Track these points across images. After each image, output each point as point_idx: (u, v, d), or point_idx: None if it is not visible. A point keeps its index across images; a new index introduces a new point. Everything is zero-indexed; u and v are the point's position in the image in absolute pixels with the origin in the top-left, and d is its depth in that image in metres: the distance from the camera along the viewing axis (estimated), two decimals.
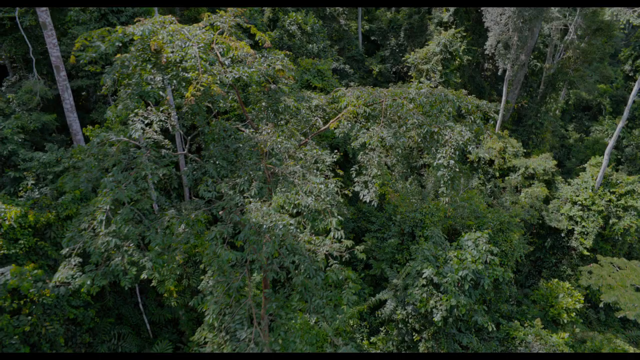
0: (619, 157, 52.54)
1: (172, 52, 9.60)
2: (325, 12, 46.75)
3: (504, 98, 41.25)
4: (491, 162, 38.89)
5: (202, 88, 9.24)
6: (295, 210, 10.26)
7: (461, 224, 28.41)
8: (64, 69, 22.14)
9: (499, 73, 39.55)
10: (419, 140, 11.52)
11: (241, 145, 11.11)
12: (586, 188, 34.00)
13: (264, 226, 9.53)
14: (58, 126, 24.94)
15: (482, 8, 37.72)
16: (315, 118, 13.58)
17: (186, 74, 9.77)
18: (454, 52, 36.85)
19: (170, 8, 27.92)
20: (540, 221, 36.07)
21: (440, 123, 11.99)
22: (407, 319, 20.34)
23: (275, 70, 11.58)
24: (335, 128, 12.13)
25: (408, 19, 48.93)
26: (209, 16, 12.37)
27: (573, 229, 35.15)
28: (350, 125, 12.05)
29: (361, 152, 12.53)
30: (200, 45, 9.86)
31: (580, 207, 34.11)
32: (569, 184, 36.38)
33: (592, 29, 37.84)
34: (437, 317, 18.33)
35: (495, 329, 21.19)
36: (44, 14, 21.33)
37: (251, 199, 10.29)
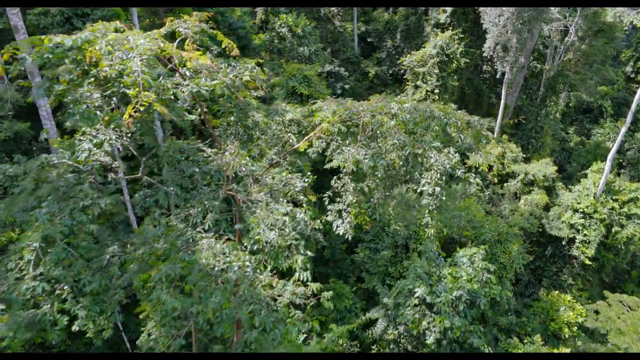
0: (621, 160, 51.38)
1: (111, 65, 8.39)
2: (320, 13, 45.62)
3: (502, 101, 40.10)
4: (490, 168, 37.73)
5: (142, 108, 8.07)
6: (255, 247, 9.10)
7: (458, 234, 27.27)
8: (39, 74, 20.97)
9: (498, 76, 38.39)
10: (400, 163, 10.29)
11: (197, 169, 9.86)
12: (588, 195, 32.82)
13: (216, 268, 8.38)
14: (35, 135, 23.80)
15: (480, 9, 36.59)
16: (289, 134, 12.36)
17: (127, 90, 8.56)
18: (451, 55, 35.71)
19: (154, 10, 26.79)
20: (541, 229, 34.91)
21: (425, 144, 10.73)
22: (398, 340, 19.22)
23: (243, 81, 10.40)
24: (307, 148, 10.94)
25: (404, 20, 47.81)
26: (172, 21, 11.18)
27: (574, 237, 33.98)
28: (324, 144, 10.88)
29: (335, 177, 11.36)
30: (144, 57, 8.62)
31: (581, 215, 32.93)
32: (570, 191, 35.21)
33: (593, 30, 36.69)
34: (430, 340, 17.22)
35: (493, 349, 20.04)
36: (15, 17, 20.14)
37: (204, 234, 9.14)
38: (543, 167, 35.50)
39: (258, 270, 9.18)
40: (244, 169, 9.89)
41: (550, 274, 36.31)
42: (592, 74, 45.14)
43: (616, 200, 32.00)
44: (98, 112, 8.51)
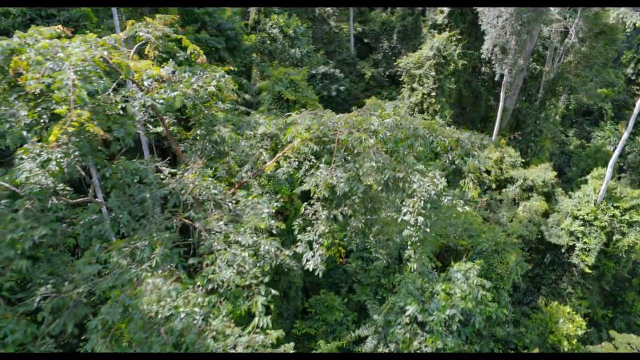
0: (621, 164, 50.47)
1: (38, 77, 7.35)
2: (315, 14, 44.69)
3: (501, 104, 39.16)
4: (488, 173, 36.79)
5: (71, 129, 7.05)
6: (210, 286, 8.10)
7: (454, 243, 26.36)
8: None
9: (496, 78, 37.44)
10: (379, 189, 9.21)
11: (148, 195, 8.77)
12: (588, 202, 31.89)
13: (159, 315, 7.36)
14: None
15: (478, 10, 35.65)
16: (260, 150, 11.29)
17: (60, 107, 7.49)
18: (448, 57, 34.76)
19: (140, 11, 25.82)
20: (539, 236, 33.99)
21: (407, 166, 9.61)
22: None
23: (208, 92, 9.40)
24: (276, 168, 9.88)
25: (401, 21, 46.87)
26: (133, 24, 10.16)
27: (574, 244, 33.06)
28: (297, 163, 9.86)
29: (305, 203, 10.31)
30: (79, 69, 7.54)
31: (581, 222, 32.00)
32: (570, 197, 34.25)
33: (594, 32, 35.73)
34: None
35: None
36: None
37: (150, 273, 8.08)
38: (542, 173, 34.57)
39: (211, 315, 8.13)
40: (204, 192, 8.88)
41: (549, 281, 35.39)
42: (593, 75, 44.25)
43: (617, 207, 31.07)
44: (25, 133, 7.51)
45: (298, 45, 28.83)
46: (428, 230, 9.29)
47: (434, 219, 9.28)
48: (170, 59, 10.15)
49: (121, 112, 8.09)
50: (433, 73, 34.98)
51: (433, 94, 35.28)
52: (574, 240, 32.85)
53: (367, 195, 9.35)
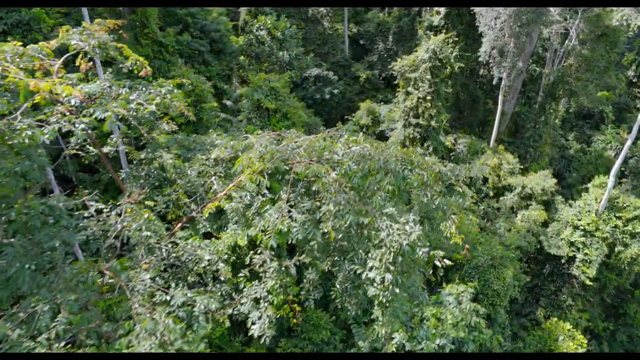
0: (622, 169, 49.23)
1: None
2: (308, 14, 43.41)
3: (499, 108, 37.89)
4: (485, 180, 35.52)
5: None
6: None
7: (448, 255, 25.02)
8: None
9: (495, 82, 36.14)
10: (339, 236, 7.77)
11: (58, 244, 7.31)
12: (589, 212, 30.62)
13: None
14: None
15: (475, 11, 34.36)
16: (211, 179, 9.86)
17: None
18: (444, 59, 33.45)
19: (118, 12, 24.55)
20: (538, 246, 32.74)
21: (374, 209, 8.07)
22: None
23: (147, 111, 8.05)
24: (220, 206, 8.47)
25: (397, 22, 45.58)
26: (67, 31, 8.81)
27: (574, 255, 31.81)
28: (248, 197, 8.42)
29: (251, 251, 8.94)
30: None
31: (582, 233, 30.75)
32: (570, 206, 32.99)
33: (596, 34, 34.44)
34: None
35: None
36: None
37: (46, 347, 6.72)
38: (541, 180, 33.30)
39: None
40: (135, 234, 7.52)
41: (549, 293, 34.15)
42: (594, 77, 42.99)
43: (620, 217, 29.81)
44: None
45: (287, 47, 27.56)
46: (398, 290, 7.86)
47: (405, 277, 7.92)
48: (108, 72, 8.89)
49: (28, 140, 6.72)
50: (429, 76, 33.67)
51: (429, 98, 33.97)
52: (574, 251, 31.61)
53: (328, 242, 7.94)
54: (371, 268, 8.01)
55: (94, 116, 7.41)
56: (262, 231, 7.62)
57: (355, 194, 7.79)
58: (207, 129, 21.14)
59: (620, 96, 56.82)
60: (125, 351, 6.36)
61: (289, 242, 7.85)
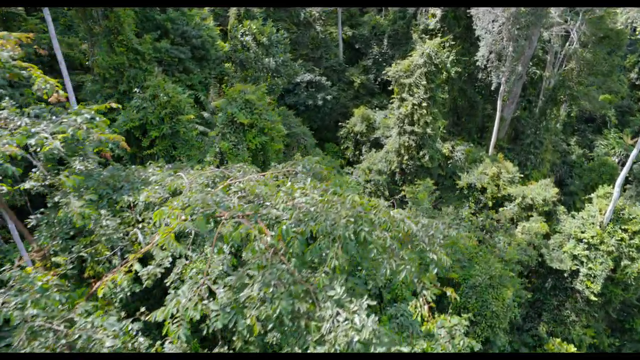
0: (626, 175, 47.73)
1: None
2: (300, 18, 42.02)
3: (498, 114, 36.46)
4: (483, 190, 34.03)
5: None
6: None
7: (443, 274, 23.55)
8: None
9: (493, 87, 34.67)
10: (270, 326, 6.13)
11: None
12: (593, 224, 29.12)
13: None
14: None
15: (472, 13, 32.94)
16: (134, 230, 8.31)
17: None
18: (439, 64, 32.00)
19: (93, 17, 23.16)
20: (540, 259, 31.23)
21: (319, 286, 6.34)
22: None
23: (48, 148, 6.58)
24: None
25: (392, 25, 44.18)
26: None
27: (578, 269, 30.31)
28: (169, 261, 6.92)
29: (158, 343, 7.39)
30: None
31: (586, 246, 29.24)
32: (573, 217, 31.47)
33: (598, 36, 33.00)
34: None
35: None
36: None
37: None
38: (542, 190, 31.79)
39: None
40: (17, 314, 5.97)
41: (551, 307, 32.61)
42: (597, 81, 41.50)
43: (626, 230, 28.31)
44: None
45: (273, 53, 26.16)
46: None
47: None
48: (6, 97, 7.45)
49: None
50: (424, 82, 32.23)
51: (424, 104, 32.52)
52: (577, 265, 30.11)
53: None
54: None
55: None
56: (172, 316, 6.08)
57: (296, 265, 6.18)
58: (185, 142, 19.73)
59: (622, 99, 55.28)
60: None
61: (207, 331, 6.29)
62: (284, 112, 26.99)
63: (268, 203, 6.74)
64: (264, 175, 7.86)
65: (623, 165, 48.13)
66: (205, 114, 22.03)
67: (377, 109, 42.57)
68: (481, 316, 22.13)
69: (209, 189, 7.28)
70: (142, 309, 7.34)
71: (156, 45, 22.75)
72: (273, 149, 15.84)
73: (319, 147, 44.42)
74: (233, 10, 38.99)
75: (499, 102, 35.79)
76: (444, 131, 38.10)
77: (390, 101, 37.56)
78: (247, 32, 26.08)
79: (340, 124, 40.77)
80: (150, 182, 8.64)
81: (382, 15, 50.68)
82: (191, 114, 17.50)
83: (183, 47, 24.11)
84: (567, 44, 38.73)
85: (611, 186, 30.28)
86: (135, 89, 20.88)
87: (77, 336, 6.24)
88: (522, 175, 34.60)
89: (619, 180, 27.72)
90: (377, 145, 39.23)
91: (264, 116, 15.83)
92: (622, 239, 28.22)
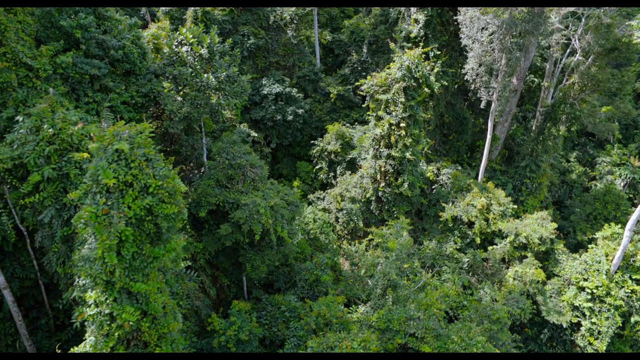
0: (631, 195, 43.35)
1: None
2: (269, 21, 37.44)
3: (489, 133, 31.97)
4: (471, 224, 29.54)
5: None
6: None
7: (415, 345, 19.13)
8: None
9: (482, 105, 30.18)
10: None
11: None
12: (598, 271, 24.68)
13: None
14: None
15: (459, 21, 28.38)
16: None
17: None
18: (420, 79, 27.49)
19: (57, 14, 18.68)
20: (535, 307, 26.80)
21: None
22: None
23: None
24: None
25: (372, 30, 39.62)
26: None
27: (579, 321, 25.89)
28: None
29: None
30: None
31: (589, 297, 24.82)
32: (575, 259, 26.99)
33: (605, 48, 28.49)
34: None
35: None
36: None
37: None
38: (538, 226, 27.30)
39: None
40: None
41: None
42: (601, 98, 37.06)
43: (637, 281, 23.87)
44: None
45: (215, 68, 21.66)
46: None
47: None
48: None
49: None
50: (402, 99, 27.73)
51: (402, 124, 28.01)
52: (578, 317, 25.69)
53: None
54: None
55: None
56: None
57: None
58: (77, 188, 15.14)
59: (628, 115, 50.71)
60: None
61: None
62: (227, 138, 22.40)
63: None
64: None
65: (629, 187, 43.81)
66: None
67: (356, 123, 38.05)
68: None
69: None
70: None
71: (57, 59, 18.20)
72: (164, 212, 11.33)
73: (291, 167, 39.86)
74: (190, 13, 34.42)
75: (489, 121, 31.30)
76: (429, 151, 33.63)
77: (367, 118, 33.09)
78: (183, 42, 21.56)
79: (312, 142, 36.28)
80: None
81: (369, 17, 45.71)
82: (91, 148, 12.85)
83: (98, 61, 19.57)
84: (568, 53, 34.26)
85: (619, 225, 25.82)
86: (19, 117, 16.37)
87: None
88: (515, 207, 30.10)
89: (630, 222, 23.22)
90: (354, 165, 34.76)
91: (145, 172, 11.40)
92: (633, 291, 23.78)
